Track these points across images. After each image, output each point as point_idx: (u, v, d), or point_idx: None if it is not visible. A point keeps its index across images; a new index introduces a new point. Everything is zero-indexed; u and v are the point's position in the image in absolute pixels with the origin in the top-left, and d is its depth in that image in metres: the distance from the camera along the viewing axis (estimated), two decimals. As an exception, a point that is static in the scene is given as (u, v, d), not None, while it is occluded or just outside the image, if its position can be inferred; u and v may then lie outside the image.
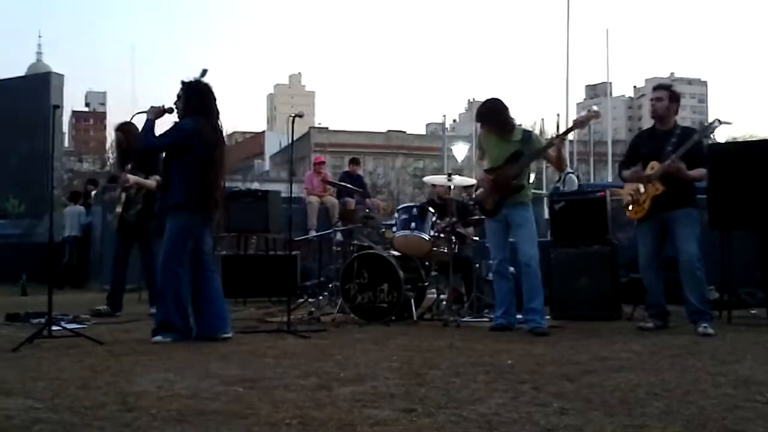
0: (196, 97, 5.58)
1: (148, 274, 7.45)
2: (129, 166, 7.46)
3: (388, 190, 40.47)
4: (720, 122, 6.12)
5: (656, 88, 6.40)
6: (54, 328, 5.59)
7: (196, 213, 5.50)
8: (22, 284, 10.30)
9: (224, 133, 5.83)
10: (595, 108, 6.37)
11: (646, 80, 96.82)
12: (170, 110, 5.66)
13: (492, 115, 6.38)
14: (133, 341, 5.49)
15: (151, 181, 7.27)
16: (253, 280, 8.84)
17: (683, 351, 4.90)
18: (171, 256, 5.44)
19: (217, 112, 5.67)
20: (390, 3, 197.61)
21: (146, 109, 5.67)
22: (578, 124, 6.57)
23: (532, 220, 6.36)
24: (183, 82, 5.65)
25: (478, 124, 6.67)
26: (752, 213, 6.35)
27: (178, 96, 5.63)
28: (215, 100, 5.66)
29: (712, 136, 6.24)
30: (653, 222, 6.13)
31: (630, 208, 6.26)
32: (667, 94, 6.22)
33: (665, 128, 6.19)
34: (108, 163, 34.74)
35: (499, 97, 6.43)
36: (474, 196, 6.77)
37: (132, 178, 7.29)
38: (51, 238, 6.00)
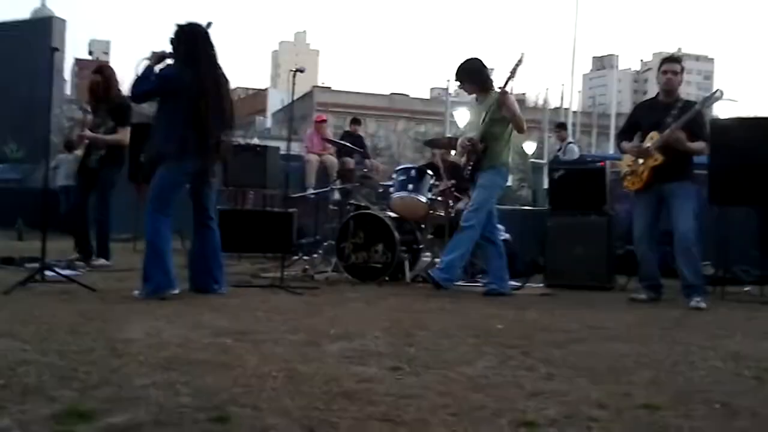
0: (184, 43, 5.35)
1: (98, 224, 7.34)
2: (89, 110, 7.37)
3: (389, 153, 40.38)
4: (722, 93, 6.04)
5: (670, 61, 6.29)
6: (47, 273, 5.59)
7: (178, 163, 5.29)
8: (18, 229, 10.31)
9: (220, 80, 5.43)
10: (521, 54, 6.17)
11: (653, 54, 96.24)
12: (171, 55, 5.42)
13: (468, 75, 6.35)
14: (125, 290, 5.48)
15: (112, 137, 7.16)
16: (249, 236, 8.82)
17: (674, 324, 4.91)
18: (152, 205, 5.29)
19: (211, 59, 5.39)
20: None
21: (148, 55, 5.47)
22: (511, 74, 6.13)
23: (495, 185, 6.29)
24: (177, 26, 5.42)
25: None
26: (752, 190, 6.31)
27: (171, 40, 5.41)
28: (208, 46, 5.39)
29: (712, 107, 6.19)
30: (650, 194, 6.10)
31: (628, 179, 6.21)
32: (680, 68, 6.20)
33: (668, 100, 6.14)
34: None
35: (477, 57, 6.39)
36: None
37: (89, 134, 7.20)
38: (46, 184, 6.00)
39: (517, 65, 6.11)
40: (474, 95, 6.51)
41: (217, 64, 5.47)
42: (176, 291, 5.25)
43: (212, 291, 5.50)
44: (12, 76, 14.23)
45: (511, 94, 6.14)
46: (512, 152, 6.58)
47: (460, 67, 6.42)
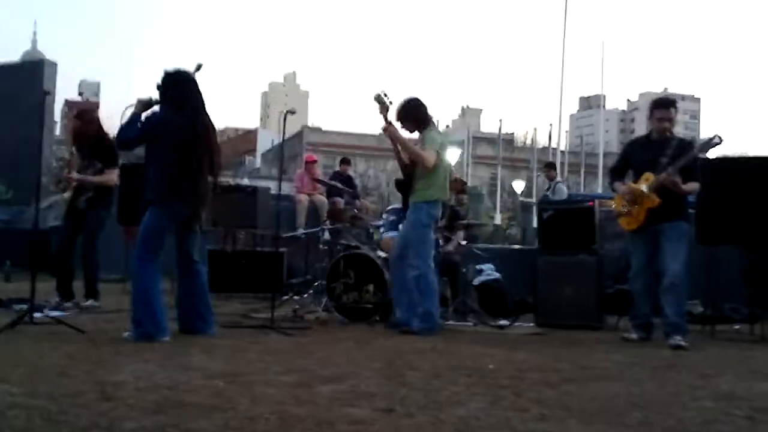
0: (172, 88, 5.39)
1: (85, 265, 7.31)
2: (74, 150, 7.38)
3: (378, 193, 40.47)
4: (721, 139, 6.03)
5: (663, 107, 6.22)
6: (36, 314, 5.56)
7: (166, 207, 5.32)
8: (6, 270, 10.25)
9: (208, 126, 5.49)
10: (383, 89, 6.23)
11: (639, 94, 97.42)
12: (157, 102, 5.46)
13: (407, 113, 6.36)
14: (114, 331, 5.45)
15: (100, 178, 7.16)
16: (239, 276, 8.81)
17: (665, 363, 4.91)
18: (140, 251, 5.30)
19: (198, 104, 5.44)
20: (388, 8, 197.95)
21: (134, 102, 5.50)
22: (382, 110, 6.26)
23: (415, 223, 6.25)
24: (164, 71, 5.46)
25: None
26: (739, 229, 6.37)
27: (158, 86, 5.44)
28: (195, 91, 5.44)
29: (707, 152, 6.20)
30: (646, 234, 6.09)
31: (623, 219, 6.21)
32: (675, 112, 6.23)
33: (662, 138, 6.12)
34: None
35: (417, 97, 6.44)
36: None
37: (75, 176, 7.20)
38: (36, 225, 6.00)
39: (378, 100, 6.22)
40: (416, 134, 6.49)
41: (204, 110, 5.50)
42: (167, 338, 5.18)
43: (201, 332, 5.47)
44: (2, 118, 14.30)
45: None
46: (442, 189, 6.40)
47: (400, 105, 6.43)
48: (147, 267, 5.30)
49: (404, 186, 6.40)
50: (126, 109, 5.48)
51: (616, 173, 6.46)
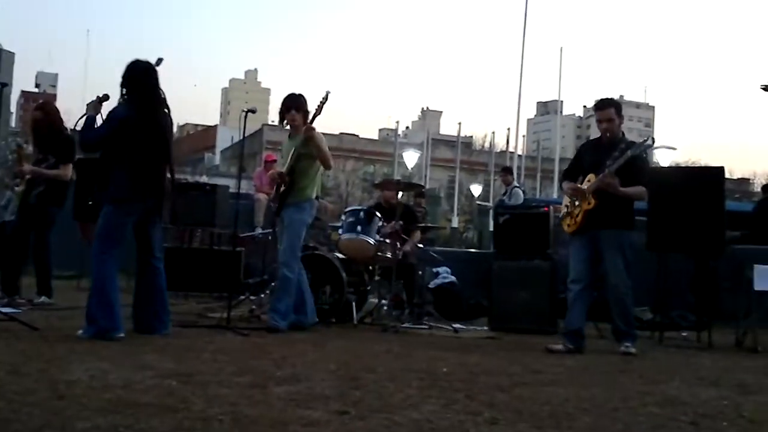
0: (131, 82, 5.35)
1: (36, 260, 7.21)
2: (27, 143, 7.26)
3: (338, 193, 40.44)
4: (653, 140, 6.00)
5: (600, 108, 6.10)
6: (-13, 311, 5.46)
7: (125, 203, 5.29)
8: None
9: (168, 119, 5.49)
10: (327, 90, 6.31)
11: (595, 101, 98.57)
12: (105, 97, 5.42)
13: (297, 103, 6.38)
14: (68, 329, 5.37)
15: (54, 171, 7.05)
16: (196, 274, 8.74)
17: (614, 368, 5.00)
18: (99, 245, 5.25)
19: (157, 98, 5.40)
20: (351, 9, 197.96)
21: (87, 105, 5.45)
22: (317, 110, 6.25)
23: (295, 223, 6.24)
24: (126, 65, 5.42)
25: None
26: (688, 238, 6.48)
27: (121, 80, 5.39)
28: (154, 84, 5.40)
29: (652, 153, 6.21)
30: (585, 237, 5.93)
31: (565, 220, 6.09)
32: (614, 111, 6.02)
33: (610, 140, 5.98)
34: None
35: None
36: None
37: (28, 168, 7.08)
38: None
39: (322, 102, 6.22)
40: (289, 129, 6.52)
41: (163, 102, 5.48)
42: (122, 335, 5.13)
43: (156, 332, 5.42)
44: (-44, 109, 14.02)
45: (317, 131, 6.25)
46: (318, 188, 6.51)
47: (294, 95, 6.47)
48: (105, 262, 5.24)
49: None
50: (80, 118, 5.44)
51: (567, 174, 6.30)
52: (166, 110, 5.50)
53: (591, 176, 5.88)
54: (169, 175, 5.52)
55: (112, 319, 5.14)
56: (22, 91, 69.74)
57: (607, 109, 6.04)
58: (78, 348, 4.59)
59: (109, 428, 2.72)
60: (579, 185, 5.98)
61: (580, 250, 5.98)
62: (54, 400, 3.14)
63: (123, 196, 5.25)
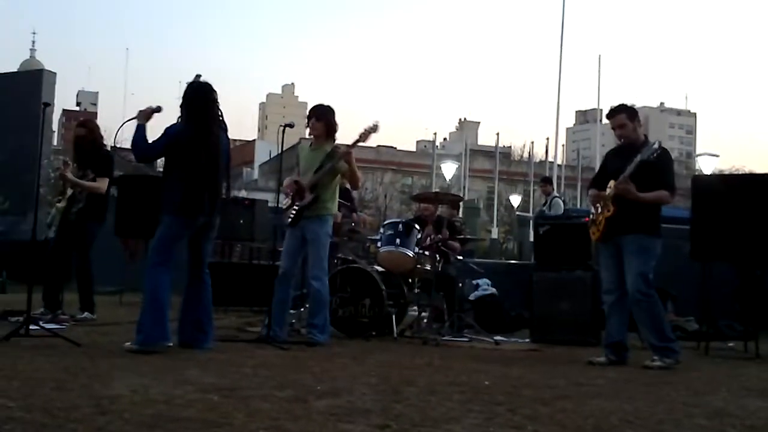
0: (189, 100, 5.51)
1: (78, 276, 7.31)
2: (69, 162, 7.38)
3: (376, 205, 40.49)
4: (660, 144, 5.80)
5: (612, 114, 5.98)
6: (32, 327, 5.56)
7: (180, 218, 5.42)
8: (2, 282, 10.24)
9: (225, 137, 5.65)
10: (376, 121, 6.31)
11: (636, 109, 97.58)
12: (158, 109, 5.56)
13: (325, 115, 6.40)
14: (110, 344, 5.46)
15: (90, 183, 7.15)
16: (236, 289, 8.82)
17: (658, 380, 4.92)
18: (154, 257, 5.38)
19: (214, 116, 5.55)
20: (387, 21, 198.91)
21: (135, 114, 5.56)
22: (362, 137, 6.30)
23: (322, 237, 6.26)
24: (187, 84, 5.61)
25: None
26: (733, 246, 6.39)
27: (182, 98, 5.56)
28: (212, 102, 5.55)
29: (669, 157, 5.94)
30: (611, 245, 5.82)
31: (591, 229, 6.01)
32: (625, 116, 5.89)
33: (632, 146, 5.82)
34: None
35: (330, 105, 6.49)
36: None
37: (69, 176, 7.19)
38: (34, 235, 6.00)
39: (370, 131, 6.26)
40: (311, 141, 6.53)
41: (221, 121, 5.63)
42: (170, 343, 5.28)
43: (199, 344, 5.48)
44: (1, 128, 14.31)
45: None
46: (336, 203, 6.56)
47: (319, 105, 6.53)
48: (159, 273, 5.37)
49: None
50: (126, 122, 5.55)
51: (594, 182, 6.18)
52: (222, 128, 5.63)
53: (611, 183, 5.77)
54: (225, 192, 5.66)
55: (162, 328, 5.26)
56: (64, 110, 71.16)
57: (617, 115, 5.94)
58: (120, 363, 4.65)
59: (151, 443, 2.75)
60: (601, 192, 5.89)
61: (607, 259, 5.90)
62: (97, 415, 3.17)
63: (182, 208, 5.37)
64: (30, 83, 14.30)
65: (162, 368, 4.51)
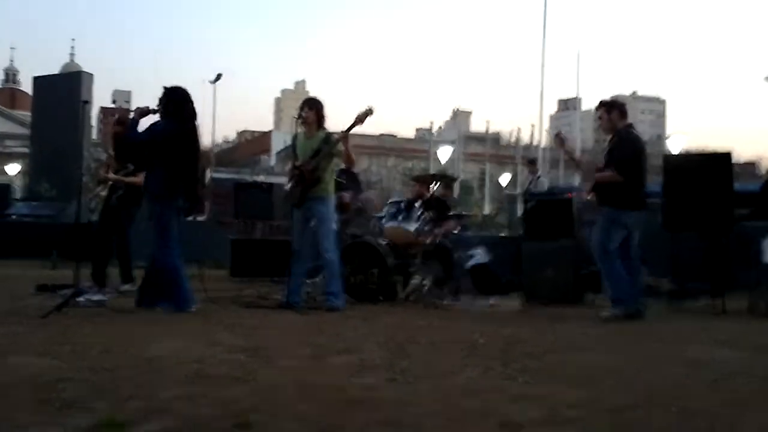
0: (173, 102, 5.64)
1: (119, 254, 7.37)
2: (111, 152, 7.43)
3: (380, 187, 40.43)
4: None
5: (597, 108, 6.27)
6: (79, 299, 5.57)
7: (171, 201, 5.56)
8: (53, 260, 10.25)
9: (198, 134, 5.82)
10: (369, 105, 6.31)
11: (611, 97, 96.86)
12: (154, 111, 5.71)
13: (317, 106, 6.37)
14: (149, 313, 5.47)
15: (131, 178, 7.19)
16: (258, 262, 8.83)
17: (637, 334, 4.93)
18: (160, 241, 5.54)
19: (193, 116, 5.74)
20: (387, 22, 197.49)
21: (135, 109, 5.80)
22: (358, 120, 6.23)
23: (328, 215, 6.27)
24: (164, 88, 5.73)
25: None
26: (700, 217, 6.38)
27: (160, 100, 5.70)
28: (191, 104, 5.74)
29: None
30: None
31: None
32: (604, 110, 6.08)
33: (610, 136, 6.09)
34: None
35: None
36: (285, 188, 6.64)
37: (111, 176, 7.26)
38: (78, 219, 6.02)
39: (365, 114, 6.20)
40: (303, 129, 6.44)
41: (196, 119, 5.79)
42: (194, 308, 5.50)
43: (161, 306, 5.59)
44: (46, 124, 14.30)
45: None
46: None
47: (311, 98, 6.60)
48: (168, 253, 5.51)
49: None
50: (131, 113, 5.75)
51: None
52: (195, 128, 5.78)
53: None
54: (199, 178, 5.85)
55: (187, 295, 5.53)
56: (101, 107, 70.90)
57: (599, 110, 6.19)
58: (158, 329, 4.66)
59: (189, 397, 2.76)
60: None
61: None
62: (139, 374, 3.19)
63: (168, 195, 5.52)
64: (70, 84, 14.27)
65: (195, 332, 4.53)
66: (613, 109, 6.06)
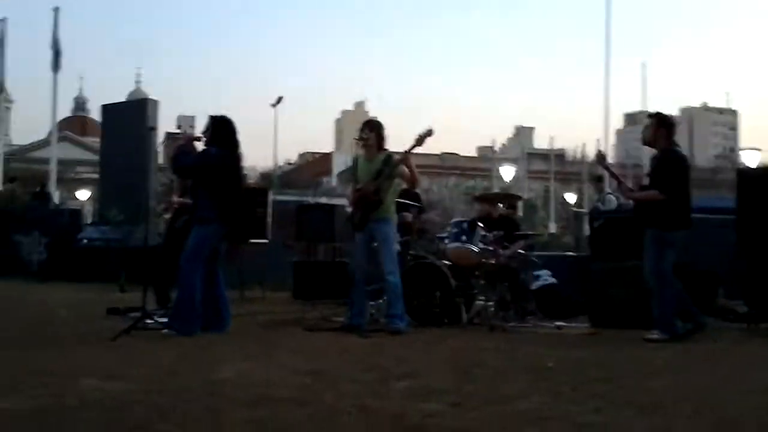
0: (223, 130, 5.87)
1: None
2: (175, 178, 7.62)
3: (442, 206, 40.35)
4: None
5: (647, 117, 6.29)
6: (147, 321, 5.73)
7: (219, 226, 5.74)
8: (121, 283, 10.55)
9: (243, 161, 6.10)
10: (429, 126, 6.27)
11: (680, 109, 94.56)
12: (199, 138, 5.99)
13: (379, 129, 6.40)
14: (215, 334, 5.58)
15: None
16: (321, 284, 8.90)
17: (711, 358, 4.78)
18: (192, 259, 5.66)
19: (238, 145, 5.96)
20: (442, 44, 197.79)
21: (181, 133, 5.95)
22: (418, 141, 6.24)
23: (391, 236, 6.27)
24: (211, 117, 5.98)
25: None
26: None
27: (207, 128, 5.94)
28: (238, 133, 5.96)
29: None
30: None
31: None
32: (654, 120, 6.04)
33: (655, 152, 6.06)
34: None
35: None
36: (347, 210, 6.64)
37: (176, 200, 7.46)
38: (146, 243, 6.22)
39: (424, 135, 6.20)
40: (363, 151, 6.48)
41: (240, 149, 6.01)
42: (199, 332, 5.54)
43: (216, 331, 5.70)
44: (114, 151, 14.80)
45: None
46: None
47: (372, 119, 6.64)
48: (194, 273, 5.65)
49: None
50: (166, 140, 5.91)
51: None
52: (240, 155, 6.03)
53: None
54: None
55: (191, 319, 5.59)
56: (167, 132, 73.24)
57: (648, 119, 6.23)
58: (225, 351, 4.76)
59: (253, 420, 2.81)
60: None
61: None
62: (207, 396, 3.26)
63: (216, 218, 5.69)
64: (137, 111, 14.75)
65: (261, 354, 4.60)
66: (663, 124, 6.02)
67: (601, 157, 6.77)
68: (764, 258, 6.52)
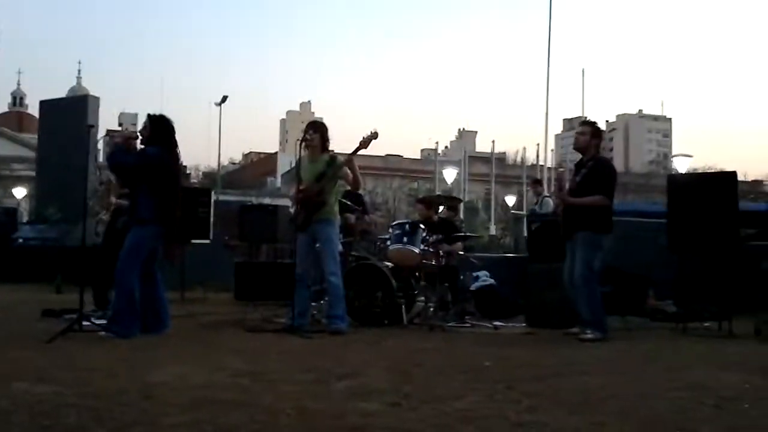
0: (162, 129, 5.80)
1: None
2: (111, 181, 7.48)
3: (386, 208, 40.46)
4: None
5: (581, 124, 6.47)
6: (84, 323, 5.60)
7: (157, 226, 5.66)
8: (58, 283, 10.28)
9: (181, 162, 6.09)
10: (374, 129, 6.37)
11: (617, 116, 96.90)
12: (136, 137, 5.90)
13: (323, 130, 6.45)
14: (154, 336, 5.49)
15: None
16: (263, 285, 8.83)
17: (641, 358, 4.92)
18: (130, 260, 5.57)
19: (176, 144, 5.88)
20: (390, 45, 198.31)
21: (117, 132, 5.88)
22: (362, 144, 6.30)
23: (333, 237, 6.33)
24: (149, 116, 5.89)
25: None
26: (705, 238, 6.37)
27: (144, 126, 5.86)
28: (175, 132, 5.89)
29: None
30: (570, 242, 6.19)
31: None
32: (589, 129, 6.24)
33: (584, 159, 6.22)
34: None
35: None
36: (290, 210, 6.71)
37: (114, 201, 7.32)
38: (84, 242, 6.06)
39: (370, 138, 6.27)
40: (307, 152, 6.46)
41: (177, 146, 5.93)
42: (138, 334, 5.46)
43: (156, 332, 5.62)
44: (52, 148, 14.41)
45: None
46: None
47: (316, 120, 6.78)
48: (132, 274, 5.56)
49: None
50: (104, 136, 5.83)
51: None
52: (179, 155, 5.98)
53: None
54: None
55: (138, 321, 5.53)
56: (107, 130, 71.53)
57: (584, 126, 6.41)
58: (162, 353, 4.68)
59: (191, 423, 2.77)
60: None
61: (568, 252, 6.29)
62: (143, 399, 3.21)
63: (154, 219, 5.62)
64: (77, 107, 14.40)
65: (200, 357, 4.55)
66: (597, 135, 6.26)
67: (559, 185, 6.86)
68: (693, 260, 6.75)
